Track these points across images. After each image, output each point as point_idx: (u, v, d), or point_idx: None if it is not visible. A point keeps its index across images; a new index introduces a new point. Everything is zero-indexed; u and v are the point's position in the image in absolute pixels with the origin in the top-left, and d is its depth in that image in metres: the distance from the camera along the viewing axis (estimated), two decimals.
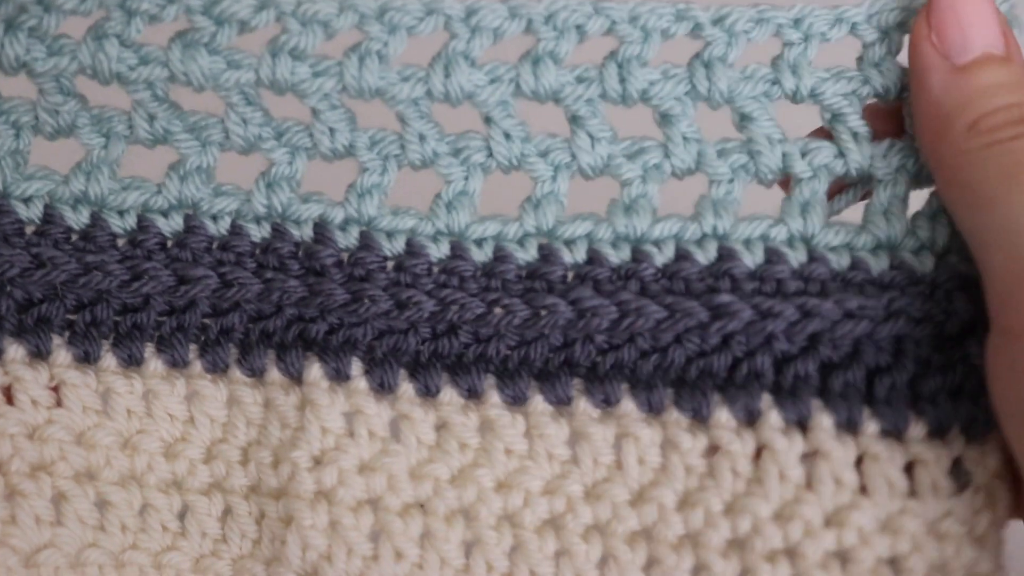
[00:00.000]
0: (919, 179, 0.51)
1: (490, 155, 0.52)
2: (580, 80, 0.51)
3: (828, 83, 0.51)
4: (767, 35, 0.51)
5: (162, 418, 0.54)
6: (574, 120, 0.52)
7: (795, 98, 0.51)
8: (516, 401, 0.52)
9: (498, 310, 0.51)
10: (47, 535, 0.53)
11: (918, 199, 0.52)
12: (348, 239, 0.52)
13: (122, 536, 0.54)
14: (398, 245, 0.52)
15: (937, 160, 0.49)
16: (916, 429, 0.50)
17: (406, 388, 0.53)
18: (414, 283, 0.51)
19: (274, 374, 0.53)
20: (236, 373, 0.54)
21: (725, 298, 0.50)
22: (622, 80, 0.51)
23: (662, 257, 0.51)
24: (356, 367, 0.53)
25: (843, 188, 0.53)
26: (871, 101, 0.51)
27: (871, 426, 0.50)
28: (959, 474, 0.50)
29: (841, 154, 0.51)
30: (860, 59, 0.51)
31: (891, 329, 0.50)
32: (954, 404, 0.50)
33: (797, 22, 0.51)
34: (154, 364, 0.54)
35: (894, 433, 0.50)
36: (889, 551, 0.50)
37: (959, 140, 0.47)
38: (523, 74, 0.51)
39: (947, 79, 0.48)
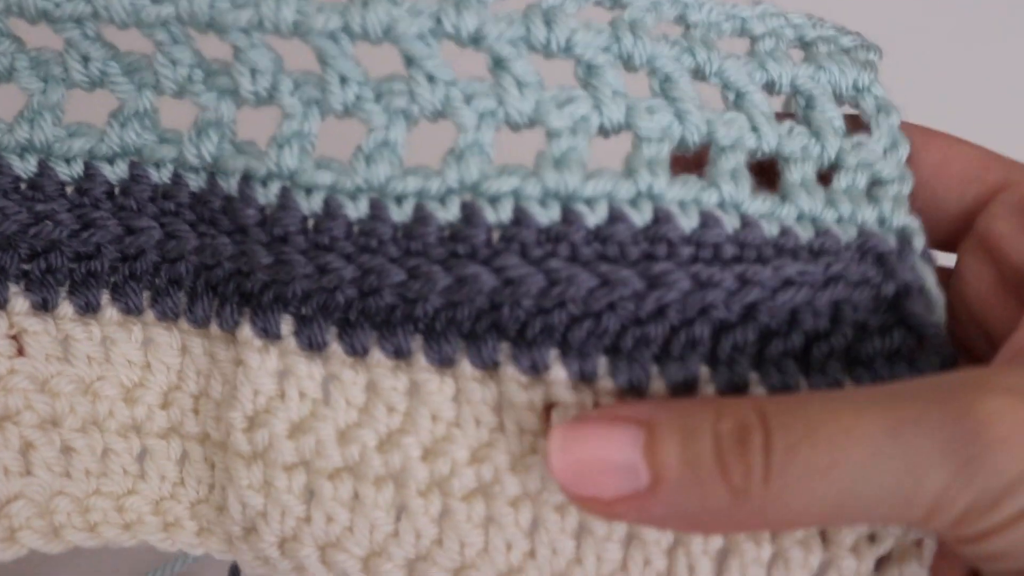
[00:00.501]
0: (822, 163, 0.51)
1: (413, 100, 0.49)
2: (504, 20, 0.48)
3: (733, 61, 0.51)
4: (676, 12, 0.51)
5: (121, 364, 0.54)
6: (498, 63, 0.48)
7: (700, 73, 0.51)
8: (443, 363, 0.50)
9: (420, 277, 0.48)
10: (17, 486, 0.54)
11: None
12: (269, 195, 0.50)
13: (86, 482, 0.55)
14: (316, 203, 0.49)
15: (756, 528, 0.49)
16: None
17: (336, 348, 0.51)
18: (332, 246, 0.49)
19: (214, 328, 0.53)
20: (184, 323, 0.54)
21: (662, 266, 0.47)
22: (547, 23, 0.48)
23: (594, 218, 0.47)
24: (287, 325, 0.51)
25: None
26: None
27: None
28: None
29: (755, 129, 0.50)
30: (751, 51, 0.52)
31: (831, 295, 0.47)
32: (891, 367, 0.48)
33: (700, 5, 0.51)
34: (110, 311, 0.54)
35: None
36: None
37: (745, 508, 0.44)
38: (445, 8, 0.48)
39: (660, 503, 0.45)
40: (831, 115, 0.51)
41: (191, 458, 0.55)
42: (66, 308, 0.54)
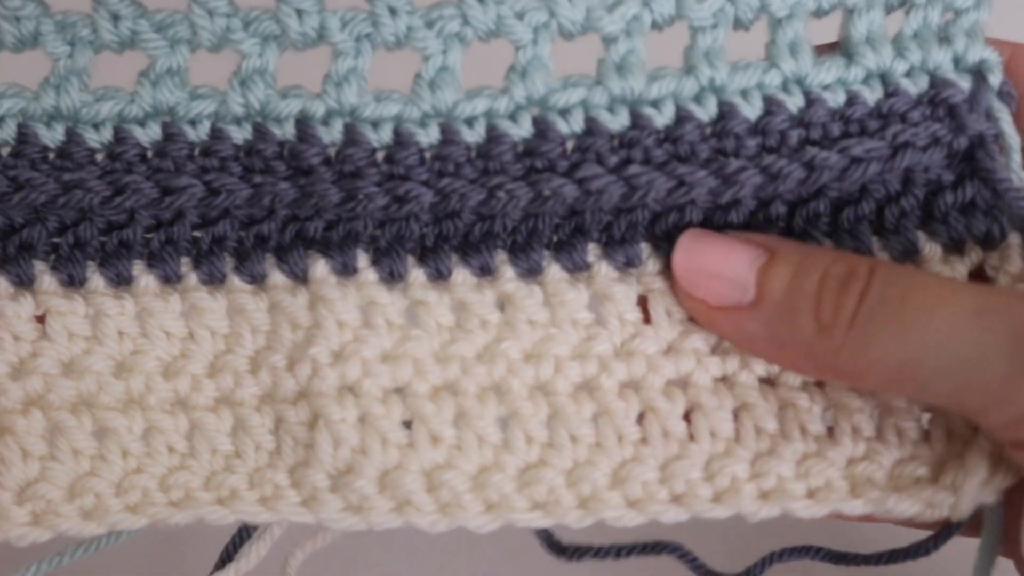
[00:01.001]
0: (891, 5, 0.51)
1: (466, 22, 0.50)
2: None
3: None
4: None
5: (158, 337, 0.53)
6: None
7: None
8: (531, 272, 0.52)
9: (501, 194, 0.50)
10: (35, 469, 0.53)
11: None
12: (332, 134, 0.50)
13: (123, 463, 0.53)
14: (385, 135, 0.50)
15: (830, 372, 0.50)
16: (930, 249, 0.51)
17: (416, 274, 0.53)
18: (408, 175, 0.50)
19: (277, 277, 0.53)
20: (235, 282, 0.53)
21: (734, 165, 0.49)
22: None
23: (662, 119, 0.50)
24: (362, 259, 0.52)
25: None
26: None
27: (882, 256, 0.52)
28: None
29: None
30: None
31: (899, 163, 0.50)
32: (967, 219, 0.51)
33: None
34: (145, 281, 0.53)
35: (909, 256, 0.52)
36: None
37: (825, 345, 0.48)
38: None
39: (754, 320, 0.49)
40: None
41: (247, 425, 0.54)
42: (96, 282, 0.53)
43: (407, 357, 0.52)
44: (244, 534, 0.57)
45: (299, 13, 0.50)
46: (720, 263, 0.50)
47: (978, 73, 0.50)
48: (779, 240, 0.50)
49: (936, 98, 0.50)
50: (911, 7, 0.51)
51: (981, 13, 0.51)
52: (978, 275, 0.51)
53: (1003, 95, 0.50)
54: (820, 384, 0.53)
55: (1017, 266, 0.50)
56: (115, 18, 0.51)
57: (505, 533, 0.53)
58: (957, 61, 0.50)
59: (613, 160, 0.49)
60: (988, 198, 0.51)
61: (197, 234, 0.53)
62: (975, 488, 0.50)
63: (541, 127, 0.50)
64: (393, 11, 0.50)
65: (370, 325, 0.52)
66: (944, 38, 0.50)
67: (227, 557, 0.58)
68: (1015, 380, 0.44)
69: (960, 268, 0.51)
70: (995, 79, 0.50)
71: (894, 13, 0.51)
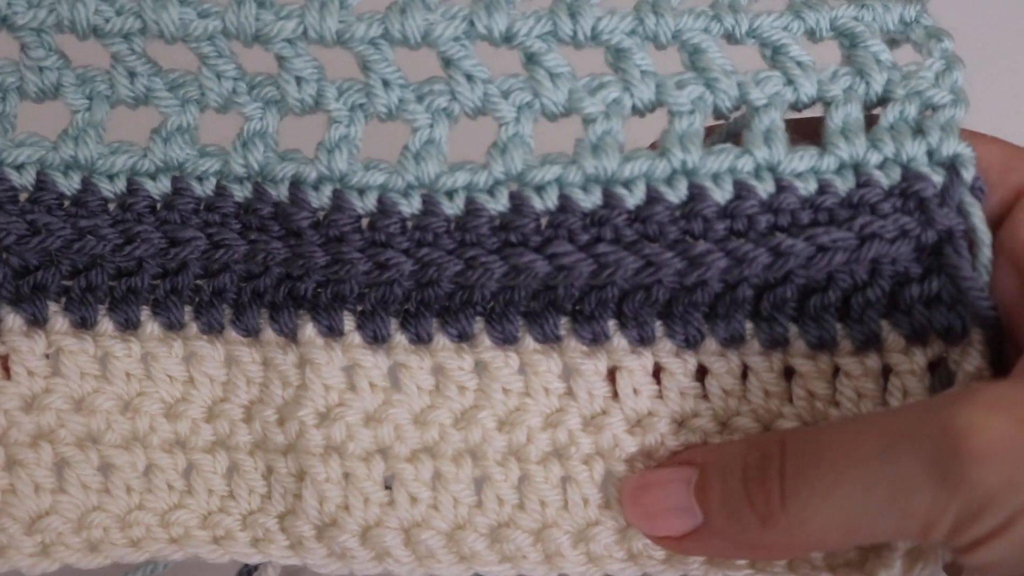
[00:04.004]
0: (870, 100, 0.53)
1: (454, 98, 0.54)
2: (532, 17, 0.53)
3: (764, 19, 0.53)
4: None
5: (161, 380, 0.57)
6: (531, 58, 0.54)
7: (732, 37, 0.53)
8: (507, 341, 0.56)
9: (477, 267, 0.53)
10: (47, 502, 0.57)
11: None
12: (322, 198, 0.54)
13: (127, 498, 0.57)
14: (370, 203, 0.54)
15: (792, 552, 0.54)
16: (893, 339, 0.53)
17: (399, 338, 0.56)
18: (389, 243, 0.54)
19: (269, 333, 0.57)
20: (232, 333, 0.57)
21: (701, 248, 0.52)
22: (572, 15, 0.53)
23: (633, 199, 0.53)
24: (348, 322, 0.56)
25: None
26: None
27: (845, 344, 0.54)
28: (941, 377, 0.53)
29: (790, 82, 0.53)
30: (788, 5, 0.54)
31: (866, 254, 0.51)
32: (930, 312, 0.53)
33: None
34: (151, 327, 0.57)
35: (871, 345, 0.54)
36: None
37: (773, 531, 0.50)
38: (476, 11, 0.53)
39: (714, 536, 0.52)
40: (876, 49, 0.53)
41: (240, 470, 0.58)
42: (106, 325, 0.57)
43: (389, 421, 0.56)
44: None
45: (298, 80, 0.54)
46: (663, 501, 0.53)
47: (951, 167, 0.52)
48: (701, 451, 0.54)
49: (907, 190, 0.51)
50: (890, 101, 0.53)
51: (958, 111, 0.52)
52: (939, 364, 0.53)
53: (975, 190, 0.52)
54: None
55: (975, 363, 0.52)
56: (131, 75, 0.55)
57: None
58: (931, 154, 0.52)
59: (584, 238, 0.52)
60: (953, 293, 0.52)
61: (200, 283, 0.57)
62: None
63: (517, 202, 0.53)
64: (386, 83, 0.54)
65: (354, 388, 0.56)
66: (919, 131, 0.52)
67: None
68: (941, 500, 0.46)
69: (920, 359, 0.53)
70: (968, 174, 0.52)
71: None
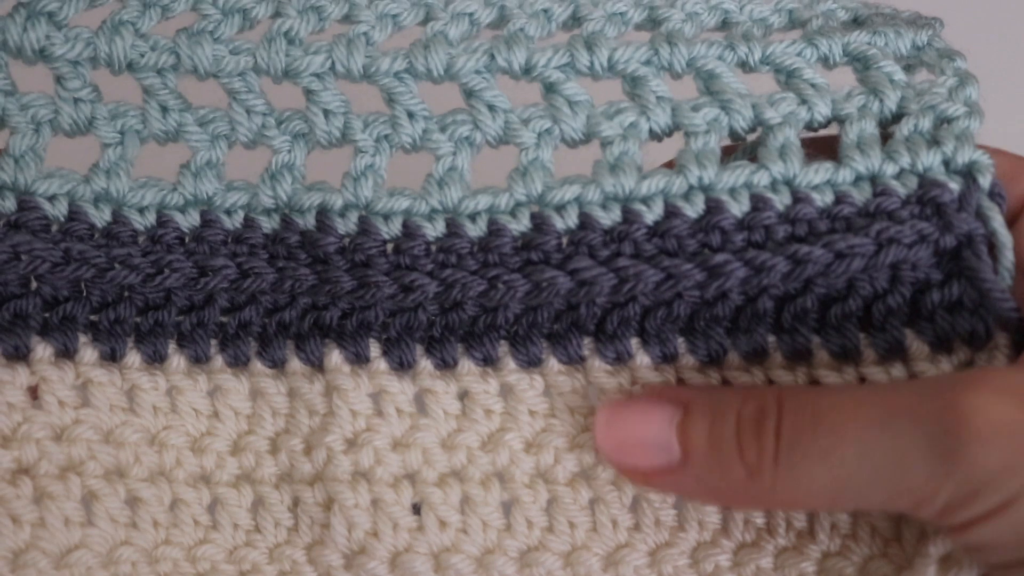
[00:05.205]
0: (885, 118, 0.55)
1: (476, 128, 0.56)
2: (550, 50, 0.56)
3: (778, 46, 0.56)
4: (717, 19, 0.57)
5: (187, 413, 0.58)
6: (550, 88, 0.56)
7: (747, 65, 0.56)
8: (531, 363, 0.57)
9: (500, 285, 0.54)
10: (77, 536, 0.57)
11: None
12: (348, 225, 0.56)
13: (154, 532, 0.58)
14: (395, 227, 0.56)
15: (771, 506, 0.55)
16: (917, 346, 0.54)
17: (424, 363, 0.57)
18: (414, 264, 0.55)
19: (295, 364, 0.58)
20: (257, 365, 0.58)
21: (719, 259, 0.53)
22: (589, 47, 0.55)
23: (652, 215, 0.54)
24: (374, 349, 0.58)
25: None
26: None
27: (869, 354, 0.54)
28: None
29: (804, 102, 0.55)
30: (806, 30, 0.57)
31: (884, 259, 0.52)
32: (952, 317, 0.53)
33: (742, 7, 0.57)
34: (176, 360, 0.58)
35: (895, 354, 0.54)
36: None
37: (759, 486, 0.50)
38: (497, 46, 0.56)
39: (688, 477, 0.52)
40: (889, 70, 0.55)
41: (266, 503, 0.59)
42: (133, 358, 0.58)
43: (416, 446, 0.57)
44: None
45: (326, 113, 0.56)
46: (640, 431, 0.53)
47: (968, 175, 0.53)
48: (688, 391, 0.54)
49: (924, 197, 0.53)
50: (904, 116, 0.55)
51: (973, 122, 0.54)
52: None
53: (994, 196, 0.53)
54: None
55: (1003, 366, 0.53)
56: (164, 110, 0.57)
57: None
58: (947, 163, 0.53)
59: (604, 253, 0.54)
60: (975, 297, 0.53)
61: (224, 318, 0.58)
62: None
63: (538, 222, 0.55)
64: (411, 115, 0.56)
65: (382, 414, 0.57)
66: (934, 141, 0.54)
67: None
68: (937, 477, 0.47)
69: (946, 367, 0.53)
70: (985, 180, 0.53)
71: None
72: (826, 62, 0.56)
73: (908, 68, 0.57)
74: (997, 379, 0.48)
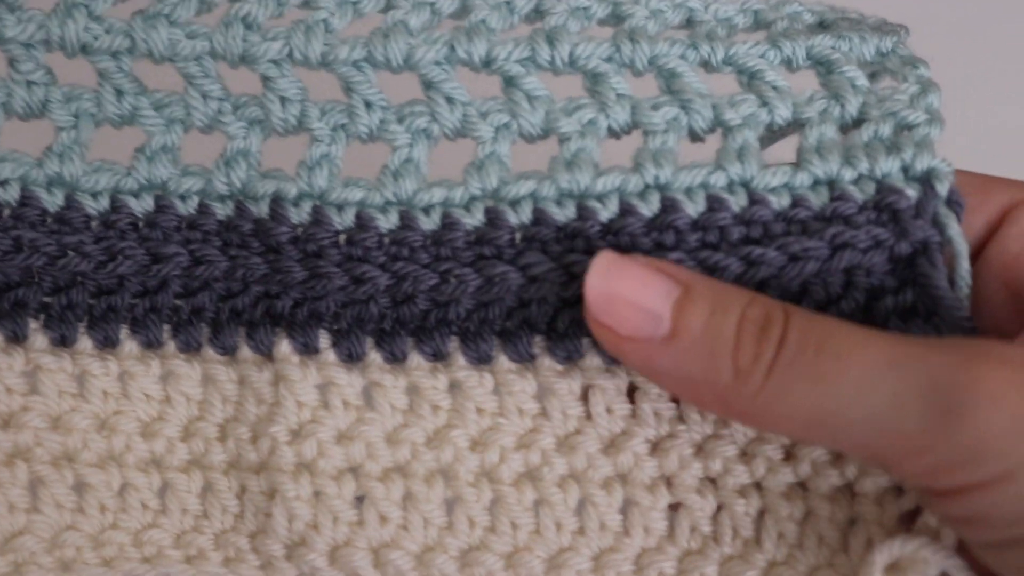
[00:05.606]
0: (846, 123, 0.55)
1: (433, 120, 0.56)
2: (511, 43, 0.55)
3: (741, 47, 0.55)
4: (681, 17, 0.56)
5: (138, 398, 0.58)
6: (509, 82, 0.56)
7: (709, 65, 0.55)
8: (481, 361, 0.56)
9: (452, 279, 0.54)
10: (21, 522, 0.57)
11: None
12: (301, 214, 0.56)
13: (101, 517, 0.58)
14: (348, 218, 0.55)
15: (741, 416, 0.51)
16: None
17: (374, 356, 0.57)
18: (366, 256, 0.55)
19: (246, 351, 0.58)
20: (209, 352, 0.58)
21: (672, 257, 0.53)
22: (550, 42, 0.55)
23: (607, 212, 0.54)
24: (324, 339, 0.57)
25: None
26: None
27: None
28: None
29: (765, 103, 0.55)
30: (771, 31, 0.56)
31: (838, 264, 0.52)
32: (905, 324, 0.53)
33: (707, 6, 0.56)
34: (129, 346, 0.58)
35: None
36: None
37: (741, 390, 0.49)
38: (457, 37, 0.55)
39: (666, 356, 0.50)
40: (852, 75, 0.55)
41: (215, 489, 0.59)
42: (84, 343, 0.57)
43: (361, 439, 0.57)
44: None
45: (283, 100, 0.56)
46: (635, 291, 0.50)
47: (926, 182, 0.53)
48: (692, 274, 0.51)
49: (881, 203, 0.52)
50: (864, 122, 0.54)
51: (933, 129, 0.54)
52: None
53: (952, 203, 0.53)
54: (758, 487, 0.56)
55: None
56: (119, 93, 0.56)
57: None
58: (906, 170, 0.53)
59: (557, 249, 0.54)
60: (928, 304, 0.53)
61: (179, 302, 0.58)
62: None
63: (492, 216, 0.55)
64: (368, 104, 0.56)
65: (328, 406, 0.57)
66: (893, 148, 0.53)
67: None
68: (934, 432, 0.45)
69: None
70: (943, 187, 0.52)
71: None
72: (789, 65, 0.56)
73: (872, 75, 0.56)
74: (1008, 351, 0.47)
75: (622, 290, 0.50)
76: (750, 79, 0.55)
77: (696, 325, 0.49)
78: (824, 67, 0.56)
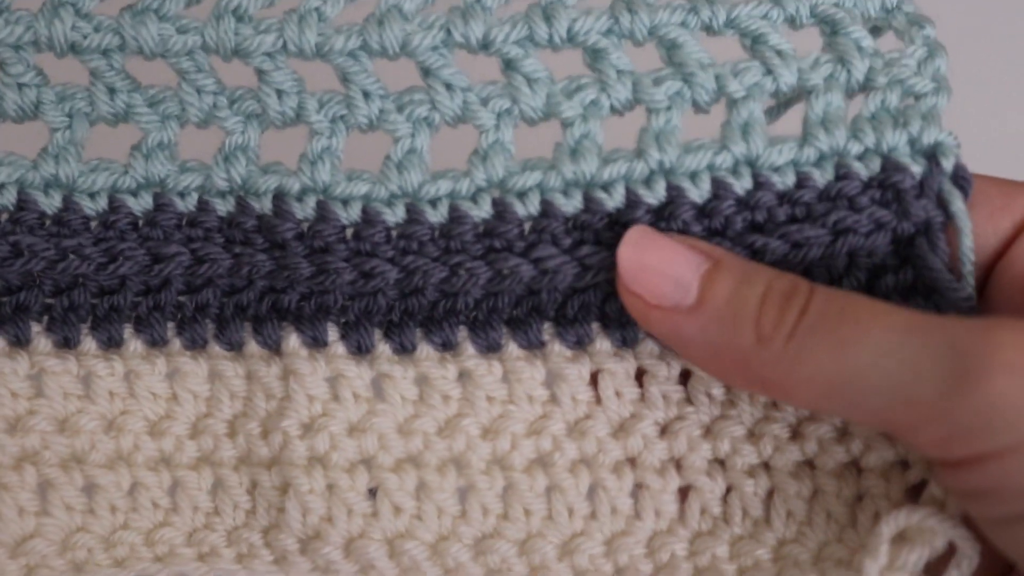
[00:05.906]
0: (852, 88, 0.54)
1: (434, 108, 0.55)
2: (508, 23, 0.54)
3: (743, 8, 0.54)
4: None
5: (145, 397, 0.58)
6: (508, 65, 0.55)
7: (711, 29, 0.54)
8: (490, 349, 0.56)
9: (462, 273, 0.54)
10: (31, 525, 0.57)
11: None
12: (306, 210, 0.55)
13: (112, 517, 0.58)
14: (354, 213, 0.55)
15: (761, 384, 0.51)
16: None
17: (383, 348, 0.57)
18: (374, 251, 0.55)
19: (252, 347, 0.57)
20: (215, 348, 0.58)
21: None
22: (547, 18, 0.54)
23: (613, 202, 0.54)
24: (332, 332, 0.57)
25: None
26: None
27: None
28: None
29: (769, 71, 0.54)
30: None
31: (841, 249, 0.52)
32: (907, 302, 0.53)
33: None
34: (133, 345, 0.57)
35: None
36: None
37: (762, 355, 0.49)
38: (453, 19, 0.54)
39: (692, 324, 0.51)
40: (857, 36, 0.54)
41: (225, 485, 0.59)
42: (88, 344, 0.57)
43: (372, 431, 0.57)
44: None
45: (279, 93, 0.55)
46: (665, 261, 0.52)
47: (932, 156, 0.52)
48: (723, 251, 0.52)
49: (886, 182, 0.52)
50: (871, 90, 0.53)
51: (940, 99, 0.53)
52: None
53: (957, 179, 0.52)
54: (766, 467, 0.56)
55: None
56: (111, 91, 0.56)
57: None
58: (912, 143, 0.53)
59: (567, 241, 0.53)
60: (928, 283, 0.53)
61: (183, 299, 0.57)
62: (875, 571, 0.52)
63: (500, 208, 0.54)
64: (366, 94, 0.55)
65: (338, 399, 0.57)
66: (900, 120, 0.53)
67: None
68: (950, 397, 0.46)
69: None
70: (948, 163, 0.52)
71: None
72: (793, 23, 0.54)
73: (875, 30, 0.55)
74: (1021, 324, 0.47)
75: (653, 260, 0.52)
76: (754, 43, 0.54)
77: (722, 294, 0.50)
78: (829, 26, 0.54)
